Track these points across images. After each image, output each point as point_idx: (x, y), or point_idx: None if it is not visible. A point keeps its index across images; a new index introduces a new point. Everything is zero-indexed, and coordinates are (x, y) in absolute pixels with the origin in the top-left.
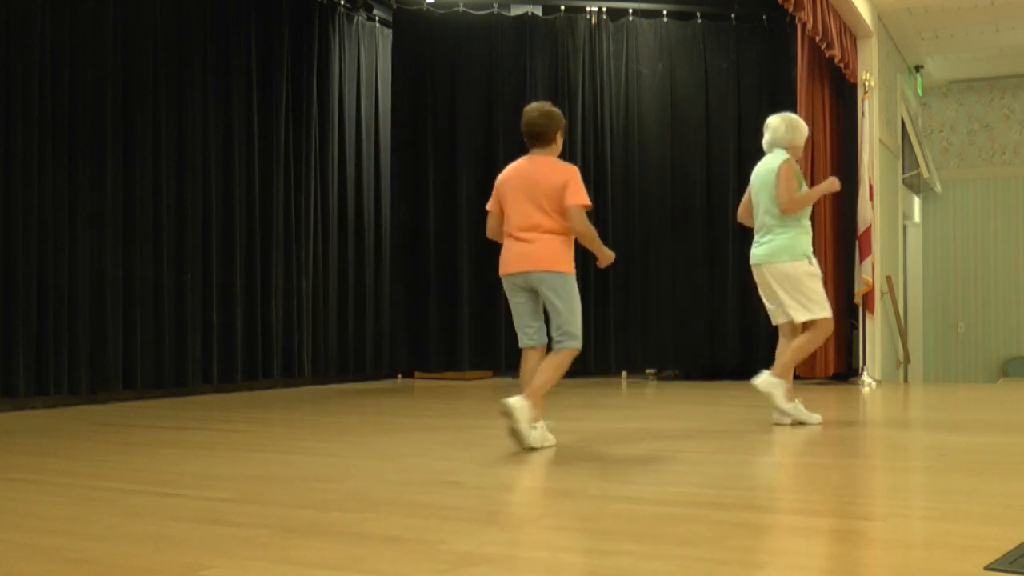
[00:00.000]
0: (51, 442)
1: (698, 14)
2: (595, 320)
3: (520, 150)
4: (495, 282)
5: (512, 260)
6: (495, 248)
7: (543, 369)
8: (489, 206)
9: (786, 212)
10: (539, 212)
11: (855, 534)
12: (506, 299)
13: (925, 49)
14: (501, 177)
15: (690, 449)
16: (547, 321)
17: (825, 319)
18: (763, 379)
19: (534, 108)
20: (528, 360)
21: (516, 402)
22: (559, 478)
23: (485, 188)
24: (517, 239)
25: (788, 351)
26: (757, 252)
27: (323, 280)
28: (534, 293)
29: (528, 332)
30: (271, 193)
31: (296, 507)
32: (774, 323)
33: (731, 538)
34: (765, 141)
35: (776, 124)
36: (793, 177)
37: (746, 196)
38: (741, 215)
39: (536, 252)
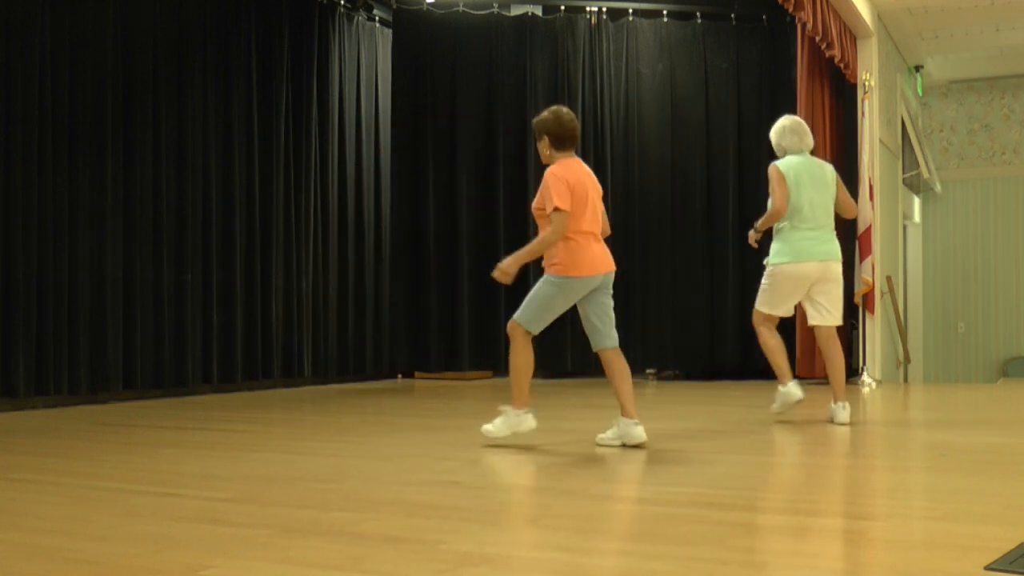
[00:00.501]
0: (51, 442)
1: (698, 14)
2: None
3: (521, 149)
4: (495, 282)
5: (602, 261)
6: (495, 248)
7: (627, 378)
8: (569, 206)
9: (853, 217)
10: (601, 214)
11: (855, 534)
12: (507, 300)
13: (925, 49)
14: (576, 178)
15: (690, 449)
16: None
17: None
18: (844, 416)
19: (569, 112)
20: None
21: (642, 432)
22: (559, 478)
23: (485, 188)
24: (597, 240)
25: (840, 374)
26: (827, 249)
27: (323, 280)
28: None
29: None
30: (271, 193)
31: (296, 507)
32: (811, 323)
33: (731, 538)
34: (798, 144)
35: (806, 128)
36: None
37: (786, 191)
38: (785, 208)
39: (608, 252)
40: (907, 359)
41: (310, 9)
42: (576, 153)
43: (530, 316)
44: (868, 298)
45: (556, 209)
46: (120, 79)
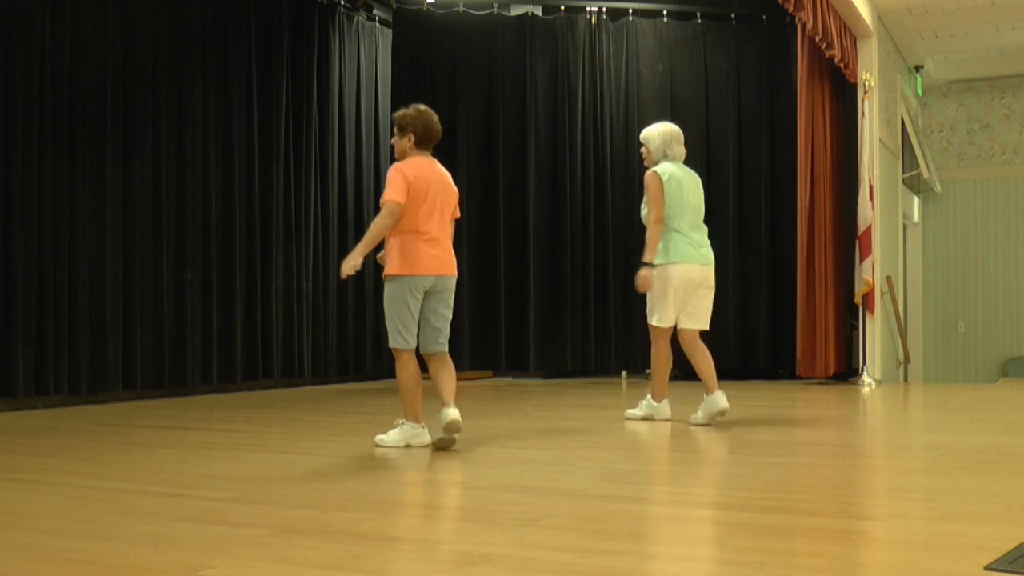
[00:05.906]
0: (51, 442)
1: (698, 14)
2: (595, 320)
3: (520, 149)
4: (494, 283)
5: (435, 263)
6: (494, 248)
7: (452, 378)
8: (402, 199)
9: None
10: (448, 219)
11: (855, 534)
12: (505, 300)
13: (925, 49)
14: (419, 175)
15: (689, 449)
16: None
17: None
18: (724, 402)
19: (435, 115)
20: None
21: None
22: (559, 478)
23: (485, 188)
24: (434, 242)
25: (712, 367)
26: (705, 254)
27: (323, 280)
28: None
29: None
30: (271, 193)
31: (296, 507)
32: (683, 326)
33: (731, 538)
34: (679, 153)
35: (683, 139)
36: None
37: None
38: (663, 217)
39: (448, 256)
40: (907, 359)
41: (310, 9)
42: (432, 154)
43: (393, 333)
44: (868, 298)
45: (386, 201)
46: (120, 79)
